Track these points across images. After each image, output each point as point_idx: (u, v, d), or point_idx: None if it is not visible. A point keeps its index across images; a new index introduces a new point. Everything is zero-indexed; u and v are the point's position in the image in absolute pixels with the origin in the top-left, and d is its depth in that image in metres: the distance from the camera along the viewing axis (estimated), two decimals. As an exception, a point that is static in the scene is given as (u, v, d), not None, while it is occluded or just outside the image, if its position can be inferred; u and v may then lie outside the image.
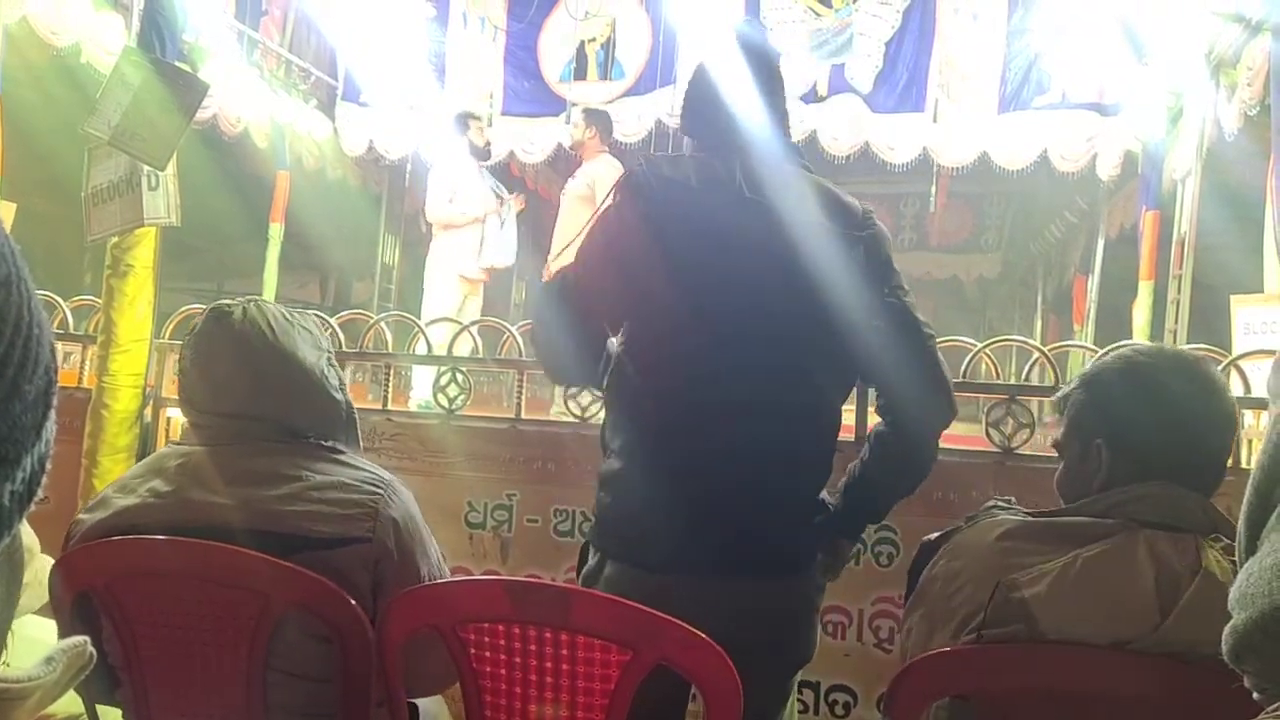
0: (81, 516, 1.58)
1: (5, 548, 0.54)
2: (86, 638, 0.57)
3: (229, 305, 1.62)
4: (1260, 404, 2.47)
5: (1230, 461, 2.53)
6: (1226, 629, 0.66)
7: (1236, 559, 0.71)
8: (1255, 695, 0.67)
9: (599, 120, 5.73)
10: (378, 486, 1.54)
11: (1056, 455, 1.49)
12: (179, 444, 1.63)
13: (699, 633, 1.27)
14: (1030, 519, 1.37)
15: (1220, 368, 2.70)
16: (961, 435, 3.54)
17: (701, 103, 1.76)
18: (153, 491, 1.53)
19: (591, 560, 1.69)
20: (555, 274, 1.76)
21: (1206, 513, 1.27)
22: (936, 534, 1.50)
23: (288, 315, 1.66)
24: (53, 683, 0.52)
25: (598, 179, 5.47)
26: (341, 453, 1.60)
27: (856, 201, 1.71)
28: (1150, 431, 1.32)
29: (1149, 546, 1.22)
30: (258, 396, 1.57)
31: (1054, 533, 1.30)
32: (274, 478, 1.50)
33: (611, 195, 1.70)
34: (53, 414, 0.55)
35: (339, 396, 1.65)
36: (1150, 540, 1.23)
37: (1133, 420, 1.34)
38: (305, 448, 1.58)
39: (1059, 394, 1.51)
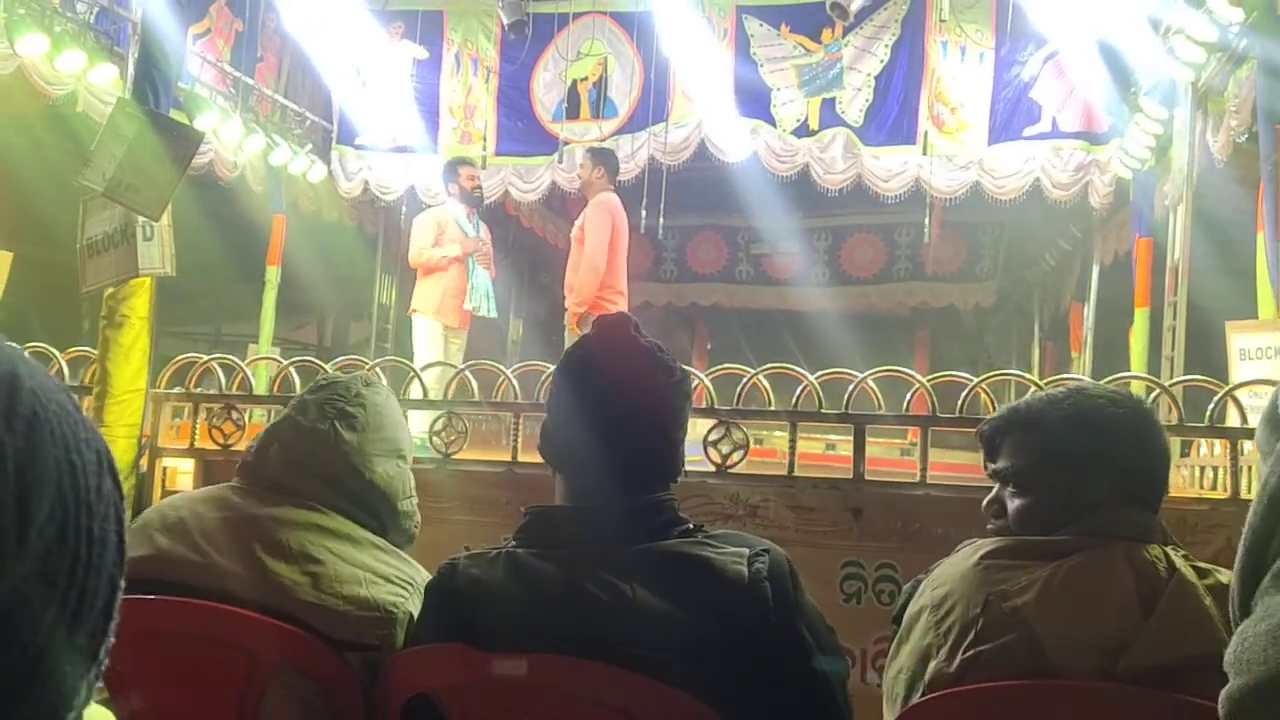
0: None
1: None
2: None
3: (348, 399, 1.70)
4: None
5: (1229, 494, 2.51)
6: (1223, 694, 0.66)
7: (1231, 617, 0.71)
8: (1254, 756, 0.66)
9: (605, 159, 5.57)
10: (404, 590, 1.54)
11: (1001, 486, 1.49)
12: (234, 492, 1.64)
13: (687, 695, 1.23)
14: (1009, 539, 1.41)
15: (1217, 399, 2.72)
16: (961, 464, 3.53)
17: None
18: (188, 544, 1.54)
19: None
20: None
21: (1162, 529, 1.40)
22: (910, 583, 1.53)
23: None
24: None
25: (614, 214, 5.43)
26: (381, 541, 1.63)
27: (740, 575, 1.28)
28: (1134, 468, 1.41)
29: (1125, 553, 1.31)
30: (335, 495, 1.63)
31: (1034, 550, 1.36)
32: (303, 558, 1.51)
33: None
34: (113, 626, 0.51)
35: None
36: (1125, 549, 1.32)
37: (1126, 459, 1.41)
38: (349, 529, 1.61)
39: (987, 426, 1.53)
